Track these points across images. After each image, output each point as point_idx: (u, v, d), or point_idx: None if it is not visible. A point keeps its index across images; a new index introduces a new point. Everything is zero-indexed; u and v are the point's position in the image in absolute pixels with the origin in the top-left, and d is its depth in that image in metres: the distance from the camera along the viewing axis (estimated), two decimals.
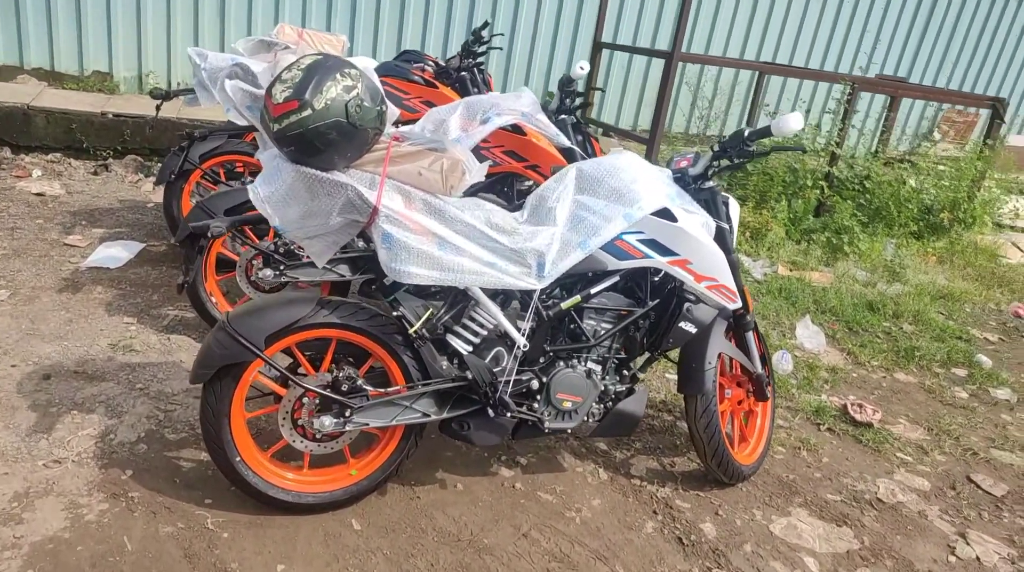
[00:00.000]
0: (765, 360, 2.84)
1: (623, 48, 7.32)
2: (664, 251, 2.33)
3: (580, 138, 3.55)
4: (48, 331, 3.19)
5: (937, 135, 8.79)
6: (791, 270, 5.32)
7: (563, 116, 3.54)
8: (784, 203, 5.90)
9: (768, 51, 8.59)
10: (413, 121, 4.54)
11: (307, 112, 1.89)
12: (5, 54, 6.19)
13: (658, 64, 7.94)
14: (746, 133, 2.41)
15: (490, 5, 7.26)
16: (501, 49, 6.68)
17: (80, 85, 6.37)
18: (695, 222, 2.38)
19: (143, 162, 5.75)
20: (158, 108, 4.08)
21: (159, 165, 5.21)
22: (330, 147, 1.95)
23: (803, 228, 5.89)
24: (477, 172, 2.19)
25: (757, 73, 6.79)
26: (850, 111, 6.11)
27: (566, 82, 3.51)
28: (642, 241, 2.31)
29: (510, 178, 3.38)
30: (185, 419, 2.70)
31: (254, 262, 3.17)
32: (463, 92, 4.50)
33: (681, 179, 2.51)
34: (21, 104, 5.55)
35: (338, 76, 1.95)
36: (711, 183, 2.53)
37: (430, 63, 5.02)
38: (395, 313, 2.22)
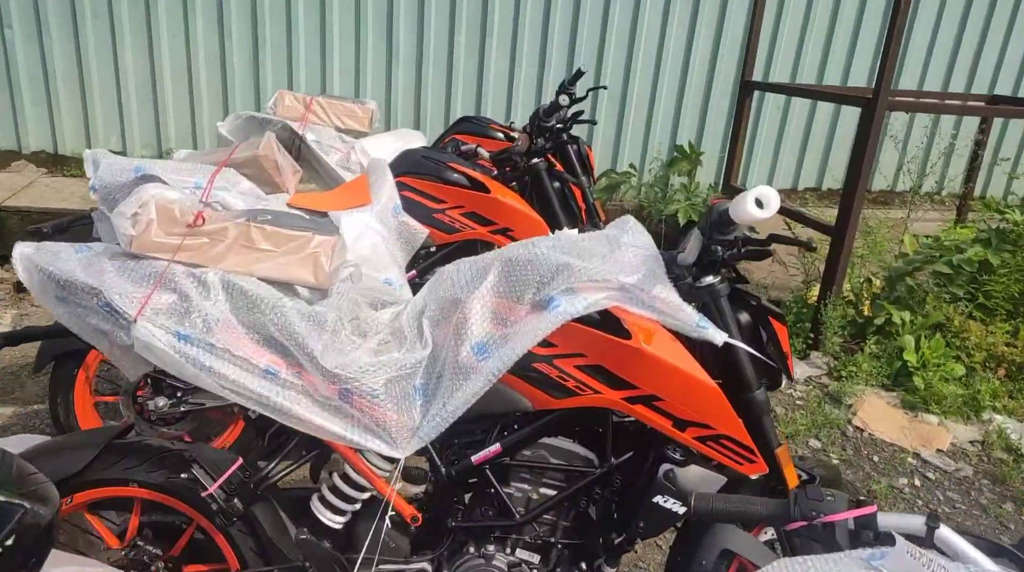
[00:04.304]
0: None
1: (786, 90, 4.96)
2: None
3: (748, 318, 1.64)
4: None
5: None
6: None
7: (709, 279, 1.50)
8: None
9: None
10: (450, 246, 2.87)
11: None
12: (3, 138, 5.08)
13: (826, 108, 5.95)
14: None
15: (594, 43, 5.51)
16: (595, 123, 4.75)
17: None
18: None
19: None
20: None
21: None
22: None
23: None
24: None
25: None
26: None
27: (718, 220, 1.41)
28: None
29: (596, 415, 1.54)
30: None
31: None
32: (536, 192, 2.78)
33: None
34: None
35: None
36: None
37: (498, 135, 3.34)
38: None
